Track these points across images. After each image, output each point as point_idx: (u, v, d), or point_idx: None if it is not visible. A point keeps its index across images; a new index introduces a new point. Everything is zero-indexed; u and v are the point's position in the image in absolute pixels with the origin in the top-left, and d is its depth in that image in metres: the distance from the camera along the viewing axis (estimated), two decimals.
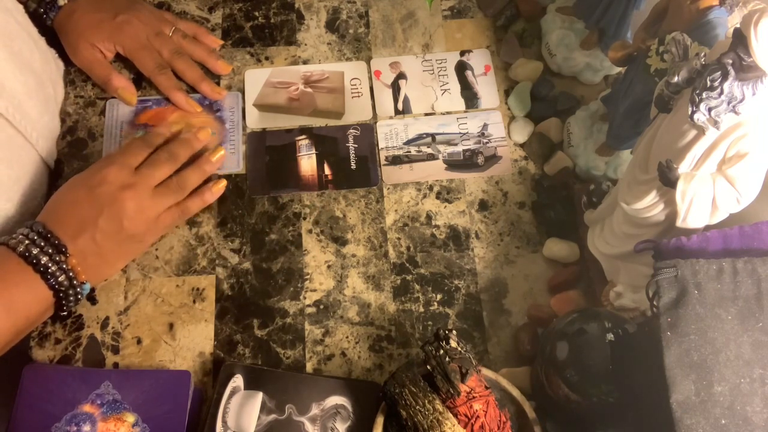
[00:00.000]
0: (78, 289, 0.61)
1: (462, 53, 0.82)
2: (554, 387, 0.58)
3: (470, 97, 0.80)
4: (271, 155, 0.77)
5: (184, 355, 0.68)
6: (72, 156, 0.75)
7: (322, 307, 0.70)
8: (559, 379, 0.57)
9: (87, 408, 0.61)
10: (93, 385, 0.62)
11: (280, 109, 0.79)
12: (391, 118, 0.79)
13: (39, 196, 0.71)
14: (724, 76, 0.47)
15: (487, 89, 0.80)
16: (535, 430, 0.59)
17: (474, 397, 0.57)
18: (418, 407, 0.56)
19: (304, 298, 0.70)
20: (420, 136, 0.78)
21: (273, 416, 0.63)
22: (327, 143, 0.77)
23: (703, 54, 0.50)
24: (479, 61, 0.82)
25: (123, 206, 0.63)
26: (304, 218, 0.74)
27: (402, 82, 0.81)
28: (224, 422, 0.62)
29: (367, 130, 0.78)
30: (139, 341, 0.68)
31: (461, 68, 0.82)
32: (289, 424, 0.63)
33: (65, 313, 0.63)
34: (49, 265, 0.59)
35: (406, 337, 0.69)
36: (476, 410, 0.56)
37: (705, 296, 0.50)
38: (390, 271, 0.72)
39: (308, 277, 0.71)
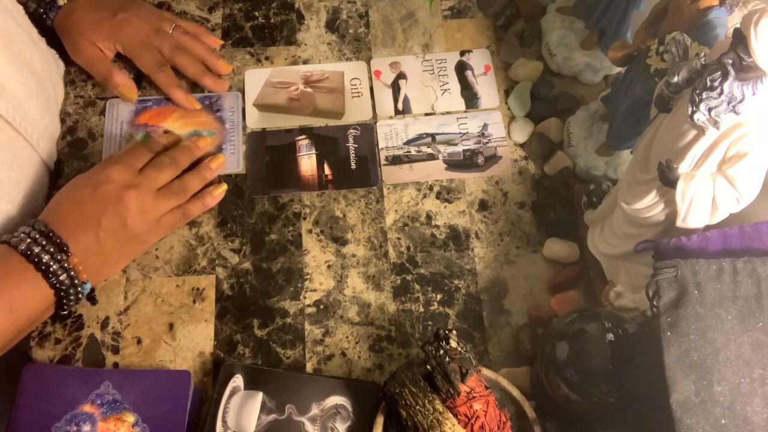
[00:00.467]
0: (79, 289, 0.61)
1: (462, 53, 0.82)
2: (554, 387, 0.58)
3: (470, 97, 0.80)
4: (271, 155, 0.77)
5: (184, 355, 0.68)
6: (72, 156, 0.75)
7: (322, 307, 0.70)
8: (559, 379, 0.57)
9: (87, 408, 0.61)
10: (93, 385, 0.62)
11: (280, 109, 0.79)
12: (391, 118, 0.79)
13: (40, 197, 0.71)
14: (724, 76, 0.47)
15: (487, 89, 0.80)
16: (535, 430, 0.59)
17: (474, 397, 0.57)
18: (418, 407, 0.56)
19: (304, 298, 0.70)
20: (420, 136, 0.78)
21: (273, 416, 0.63)
22: (327, 143, 0.77)
23: (703, 54, 0.50)
24: (479, 61, 0.82)
25: (126, 205, 0.63)
26: (304, 218, 0.74)
27: (402, 82, 0.81)
28: (224, 422, 0.62)
29: (367, 130, 0.78)
30: (139, 341, 0.68)
31: (461, 68, 0.82)
32: (289, 424, 0.63)
33: (65, 313, 0.63)
34: (51, 263, 0.59)
35: (406, 337, 0.69)
36: (476, 410, 0.56)
37: (705, 296, 0.50)
38: (390, 271, 0.72)
39: (308, 277, 0.71)
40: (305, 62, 0.82)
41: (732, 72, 0.47)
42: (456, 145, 0.77)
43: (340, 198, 0.75)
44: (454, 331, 0.59)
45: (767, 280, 0.50)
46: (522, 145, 0.78)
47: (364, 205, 0.74)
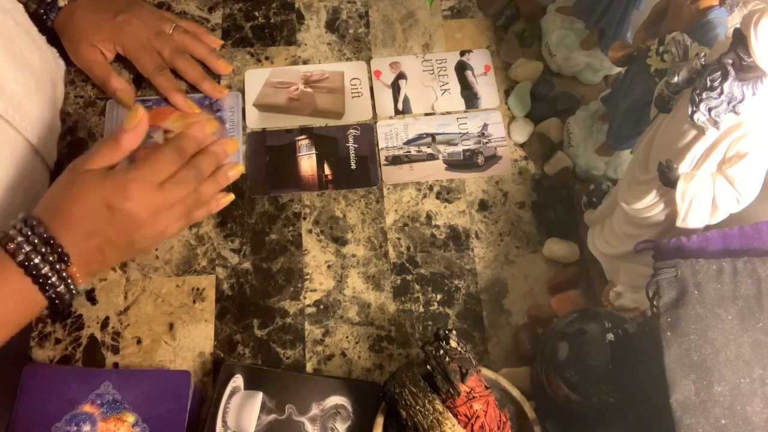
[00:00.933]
0: (74, 293, 0.59)
1: (462, 53, 0.82)
2: (554, 387, 0.58)
3: (470, 97, 0.80)
4: (271, 155, 0.77)
5: (184, 355, 0.68)
6: (72, 156, 0.74)
7: (322, 307, 0.70)
8: (559, 379, 0.57)
9: (87, 408, 0.61)
10: (93, 385, 0.62)
11: (280, 109, 0.79)
12: (391, 118, 0.79)
13: (40, 197, 0.71)
14: (724, 76, 0.47)
15: (487, 89, 0.80)
16: (535, 430, 0.59)
17: (474, 397, 0.57)
18: (418, 407, 0.56)
19: (304, 298, 0.70)
20: (420, 136, 0.78)
21: (273, 416, 0.63)
22: (327, 143, 0.77)
23: (703, 54, 0.50)
24: (479, 61, 0.82)
25: (140, 225, 0.59)
26: (304, 218, 0.74)
27: (402, 82, 0.81)
28: (224, 422, 0.62)
29: (367, 130, 0.78)
30: (139, 341, 0.68)
31: (461, 68, 0.82)
32: (289, 424, 0.63)
33: (63, 313, 0.62)
34: (50, 275, 0.55)
35: (406, 337, 0.69)
36: (476, 410, 0.56)
37: (705, 296, 0.50)
38: (390, 271, 0.72)
39: (308, 277, 0.71)
40: (305, 62, 0.82)
41: (732, 72, 0.47)
42: (456, 145, 0.77)
43: (340, 198, 0.75)
44: (454, 331, 0.59)
45: (767, 280, 0.50)
46: (522, 145, 0.78)
47: (364, 205, 0.74)
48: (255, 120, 0.78)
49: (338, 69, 0.81)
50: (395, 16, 0.84)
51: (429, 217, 0.74)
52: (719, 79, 0.48)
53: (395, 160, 0.76)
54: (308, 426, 0.63)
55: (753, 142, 0.50)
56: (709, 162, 0.52)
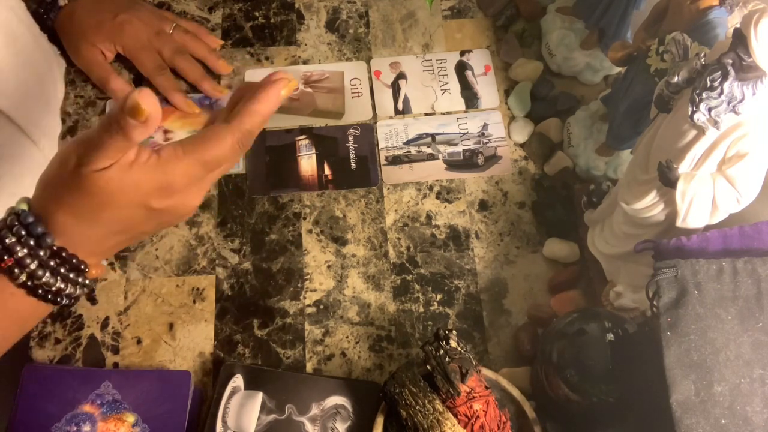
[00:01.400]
0: (86, 289, 0.50)
1: (462, 53, 0.82)
2: (554, 387, 0.58)
3: (470, 97, 0.80)
4: (271, 155, 0.77)
5: (184, 355, 0.68)
6: None
7: (322, 307, 0.70)
8: (559, 379, 0.57)
9: (87, 408, 0.61)
10: (93, 385, 0.62)
11: (280, 109, 0.78)
12: (391, 118, 0.79)
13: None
14: (724, 76, 0.47)
15: (487, 89, 0.80)
16: (535, 430, 0.59)
17: (474, 397, 0.57)
18: (418, 407, 0.56)
19: (304, 298, 0.70)
20: (420, 136, 0.78)
21: (273, 416, 0.63)
22: (327, 143, 0.77)
23: (703, 54, 0.50)
24: (479, 61, 0.82)
25: (178, 219, 0.49)
26: (304, 218, 0.74)
27: (402, 82, 0.81)
28: (224, 422, 0.62)
29: (367, 130, 0.78)
30: (139, 341, 0.68)
31: (461, 68, 0.82)
32: (289, 424, 0.63)
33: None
34: (63, 287, 0.45)
35: (406, 337, 0.69)
36: (476, 410, 0.56)
37: (705, 296, 0.50)
38: (390, 271, 0.72)
39: (308, 277, 0.71)
40: (305, 62, 0.82)
41: (732, 72, 0.47)
42: (456, 145, 0.77)
43: (340, 198, 0.75)
44: (454, 331, 0.59)
45: (767, 280, 0.50)
46: (522, 145, 0.78)
47: (364, 205, 0.74)
48: None
49: (338, 69, 0.81)
50: (395, 16, 0.84)
51: (429, 217, 0.74)
52: (719, 79, 0.48)
53: (395, 160, 0.76)
54: (308, 426, 0.63)
55: (753, 142, 0.50)
56: (709, 162, 0.52)
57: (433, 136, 0.78)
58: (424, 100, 0.80)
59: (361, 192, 0.75)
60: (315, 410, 0.64)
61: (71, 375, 0.63)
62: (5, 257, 0.42)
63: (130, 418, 0.61)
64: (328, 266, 0.72)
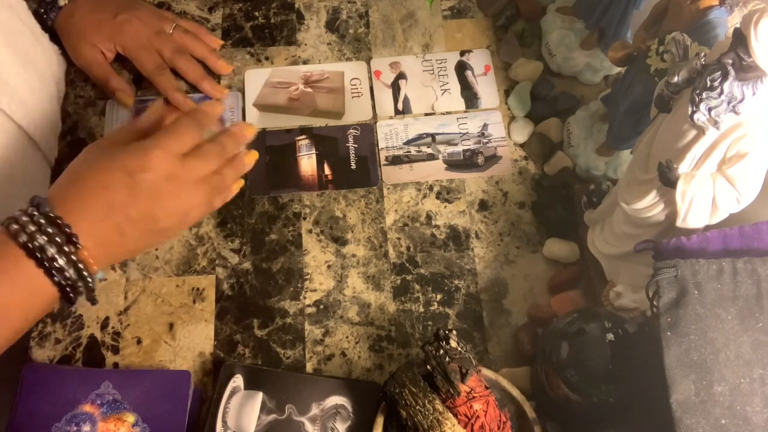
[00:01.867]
0: (89, 280, 0.53)
1: (462, 53, 0.82)
2: (554, 387, 0.58)
3: (470, 97, 0.80)
4: (271, 155, 0.77)
5: (184, 355, 0.68)
6: (72, 156, 0.74)
7: (322, 307, 0.70)
8: (559, 379, 0.57)
9: (87, 408, 0.61)
10: (93, 385, 0.62)
11: (280, 109, 0.79)
12: (391, 118, 0.79)
13: (41, 193, 0.71)
14: (724, 76, 0.47)
15: (487, 89, 0.80)
16: (535, 430, 0.59)
17: (474, 397, 0.57)
18: (418, 407, 0.56)
19: (304, 298, 0.70)
20: (420, 136, 0.78)
21: (273, 416, 0.63)
22: (327, 143, 0.77)
23: (703, 54, 0.50)
24: (479, 61, 0.82)
25: (162, 198, 0.55)
26: (304, 218, 0.74)
27: (402, 82, 0.81)
28: (224, 422, 0.62)
29: (367, 130, 0.78)
30: (139, 341, 0.68)
31: (461, 68, 0.82)
32: (289, 424, 0.63)
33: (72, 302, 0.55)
34: (57, 257, 0.50)
35: (406, 337, 0.69)
36: (476, 410, 0.56)
37: (705, 296, 0.50)
38: (390, 271, 0.72)
39: (308, 277, 0.71)
40: (305, 62, 0.82)
41: (732, 72, 0.47)
42: (456, 145, 0.77)
43: (340, 198, 0.75)
44: (454, 331, 0.59)
45: (767, 280, 0.50)
46: (522, 145, 0.78)
47: (364, 205, 0.74)
48: (255, 120, 0.78)
49: (338, 69, 0.81)
50: (395, 16, 0.84)
51: (429, 217, 0.74)
52: (719, 79, 0.48)
53: (395, 160, 0.76)
54: (308, 426, 0.63)
55: (753, 142, 0.50)
56: (709, 162, 0.52)
57: (433, 136, 0.78)
58: (424, 100, 0.80)
59: (361, 192, 0.75)
60: (315, 410, 0.64)
61: (71, 375, 0.63)
62: (12, 224, 0.49)
63: (130, 418, 0.61)
64: (328, 266, 0.72)
